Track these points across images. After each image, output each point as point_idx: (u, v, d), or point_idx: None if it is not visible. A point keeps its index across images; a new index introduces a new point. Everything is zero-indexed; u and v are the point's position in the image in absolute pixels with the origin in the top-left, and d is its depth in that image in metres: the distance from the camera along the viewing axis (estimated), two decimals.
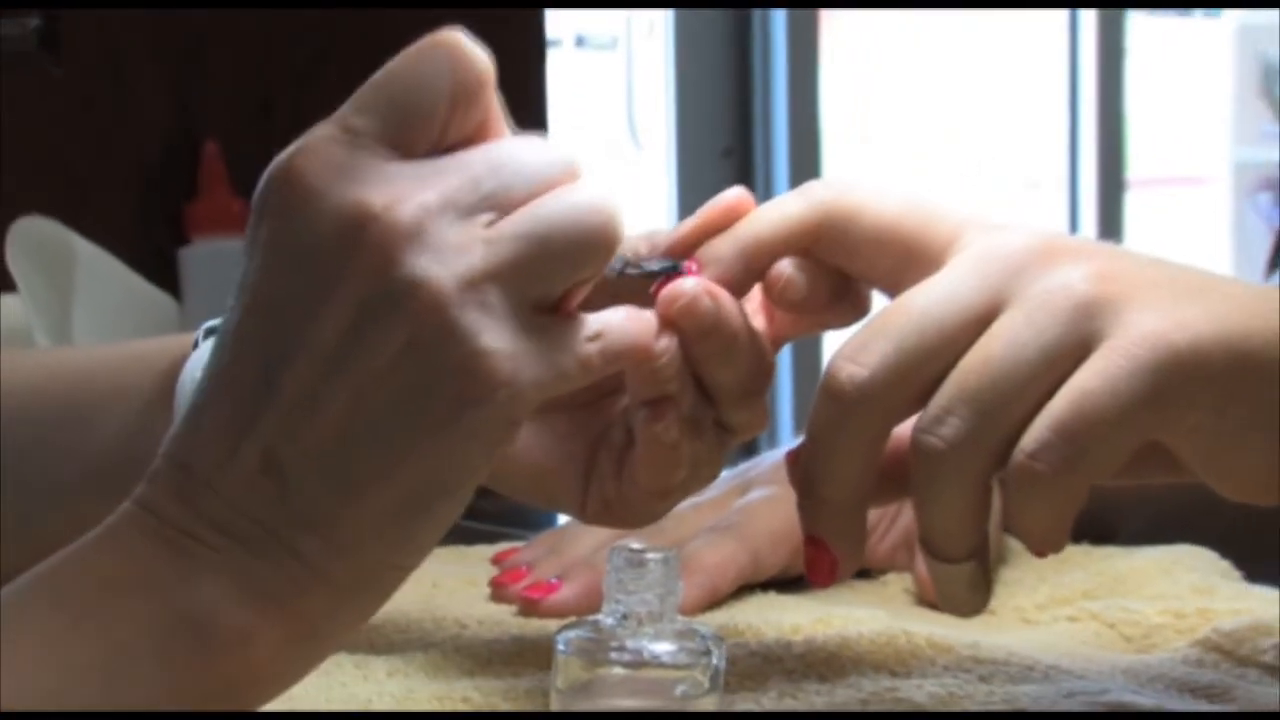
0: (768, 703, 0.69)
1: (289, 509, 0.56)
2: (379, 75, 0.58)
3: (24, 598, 0.56)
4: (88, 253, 1.74)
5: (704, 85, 3.71)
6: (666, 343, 0.63)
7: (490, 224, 0.57)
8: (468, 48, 0.59)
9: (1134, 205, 4.17)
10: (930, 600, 0.81)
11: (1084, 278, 0.62)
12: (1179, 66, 5.07)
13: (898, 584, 0.85)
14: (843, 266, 0.67)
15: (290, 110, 2.06)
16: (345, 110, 0.58)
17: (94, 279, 1.73)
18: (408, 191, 0.56)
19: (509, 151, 0.58)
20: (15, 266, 1.68)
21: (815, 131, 3.71)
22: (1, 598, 0.56)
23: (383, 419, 0.56)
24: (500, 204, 0.57)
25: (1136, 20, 4.32)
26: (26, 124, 2.03)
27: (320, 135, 0.57)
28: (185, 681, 0.56)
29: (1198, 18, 5.43)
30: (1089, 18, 4.09)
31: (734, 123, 3.71)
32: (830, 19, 3.96)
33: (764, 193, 3.71)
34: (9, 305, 1.67)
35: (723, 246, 0.67)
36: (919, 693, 0.69)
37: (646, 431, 0.65)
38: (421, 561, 0.59)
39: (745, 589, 0.83)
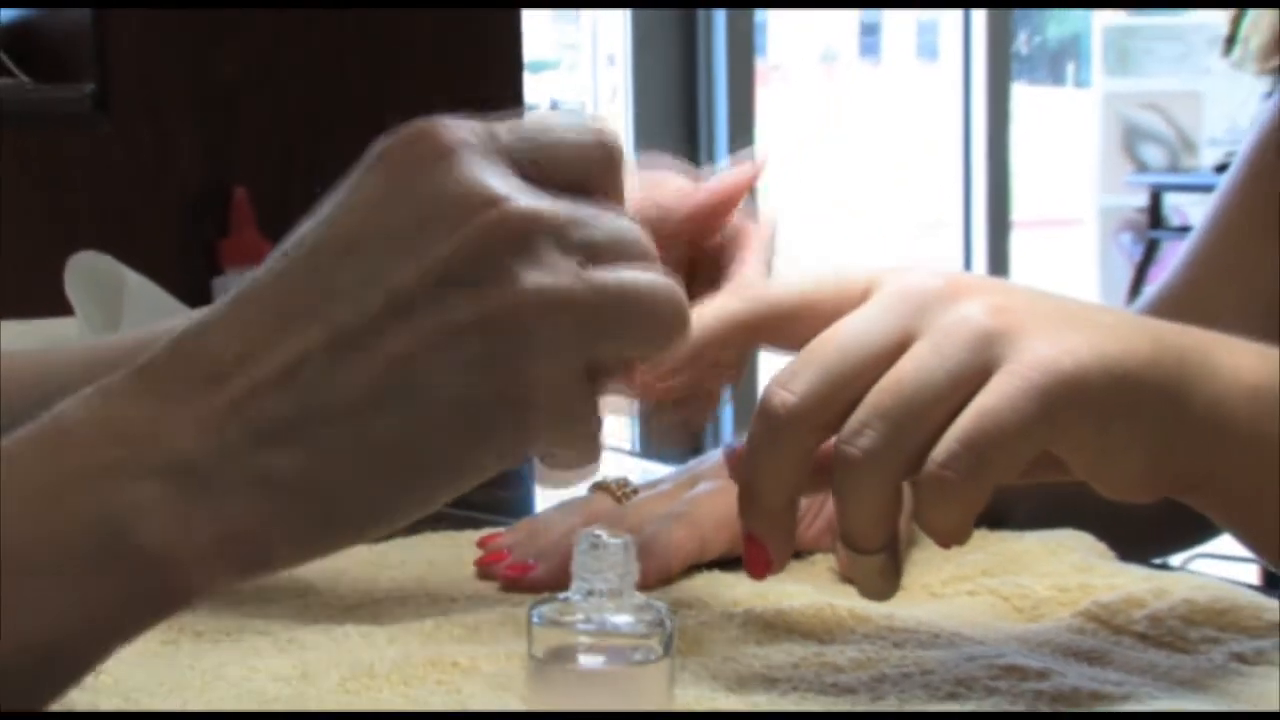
0: (713, 665, 0.68)
1: (286, 417, 0.48)
2: (537, 115, 0.54)
3: None
4: (135, 282, 1.73)
5: (659, 139, 3.72)
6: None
7: (584, 264, 0.51)
8: (616, 137, 0.55)
9: (1018, 243, 4.20)
10: (851, 578, 0.80)
11: (983, 311, 0.61)
12: (1054, 127, 5.10)
13: (823, 563, 0.84)
14: (784, 345, 0.66)
15: (308, 163, 2.06)
16: (500, 124, 0.53)
17: (140, 305, 1.72)
18: (529, 195, 0.51)
19: (616, 218, 0.54)
20: (72, 294, 1.67)
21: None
22: None
23: (428, 382, 0.49)
24: (600, 253, 0.52)
25: (1019, 89, 4.35)
26: (83, 173, 2.02)
27: (470, 123, 0.52)
28: (107, 592, 0.48)
29: (1069, 88, 5.47)
30: (979, 87, 4.12)
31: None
32: (766, 88, 3.98)
33: None
34: (67, 328, 1.66)
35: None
36: (841, 657, 0.68)
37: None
38: (374, 539, 0.52)
39: (694, 568, 0.82)
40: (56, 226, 1.91)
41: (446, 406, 0.50)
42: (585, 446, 0.54)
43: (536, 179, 0.52)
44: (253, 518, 0.49)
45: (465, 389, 0.50)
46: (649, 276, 0.53)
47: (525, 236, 0.50)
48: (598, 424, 0.54)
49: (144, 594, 0.49)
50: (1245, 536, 0.68)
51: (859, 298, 0.64)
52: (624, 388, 0.55)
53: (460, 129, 0.51)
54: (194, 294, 1.93)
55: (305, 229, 0.51)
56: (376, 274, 0.49)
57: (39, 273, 1.72)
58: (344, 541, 0.51)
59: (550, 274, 0.50)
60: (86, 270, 1.70)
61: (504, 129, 0.53)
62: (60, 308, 1.67)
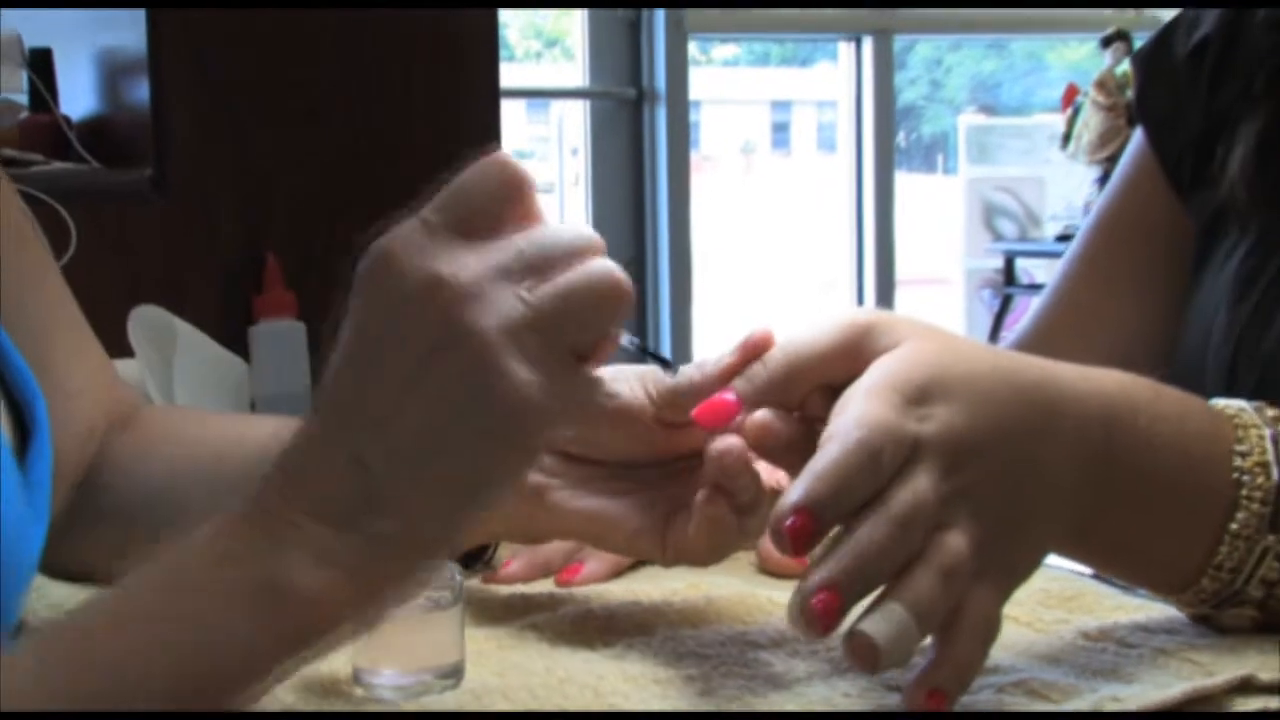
0: (655, 643, 0.66)
1: (370, 496, 0.51)
2: (451, 181, 0.54)
3: (150, 568, 0.52)
4: (184, 330, 1.72)
5: (612, 216, 3.72)
6: (727, 444, 0.60)
7: (530, 288, 0.52)
8: (513, 161, 0.54)
9: (901, 297, 4.21)
10: (768, 571, 0.79)
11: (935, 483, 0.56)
12: (928, 206, 5.13)
13: (745, 559, 0.82)
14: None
15: (326, 234, 2.05)
16: (424, 208, 0.53)
17: (189, 348, 1.71)
18: (468, 263, 0.51)
19: (546, 233, 0.53)
20: (134, 339, 1.66)
21: (687, 248, 3.73)
22: (138, 569, 0.52)
23: (444, 427, 0.51)
24: (538, 271, 0.52)
25: (900, 176, 4.37)
26: (144, 243, 2.01)
27: (404, 226, 0.53)
28: (266, 631, 0.50)
29: (940, 175, 5.50)
30: (869, 173, 4.14)
31: (633, 240, 3.72)
32: (699, 174, 3.98)
33: (653, 288, 3.72)
34: (130, 367, 1.64)
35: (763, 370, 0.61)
36: (761, 636, 0.67)
37: (702, 509, 0.63)
38: (463, 544, 0.54)
39: (639, 564, 0.80)
40: (121, 286, 1.89)
41: (473, 434, 0.51)
42: (600, 408, 0.55)
43: (470, 233, 0.53)
44: (366, 559, 0.51)
45: (479, 417, 0.51)
46: (583, 270, 0.53)
47: (476, 293, 0.51)
48: (603, 394, 0.54)
49: (300, 634, 0.51)
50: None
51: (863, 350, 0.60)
52: (605, 353, 0.55)
53: (401, 236, 0.52)
54: (233, 340, 1.92)
55: (333, 356, 0.53)
56: (385, 372, 0.51)
57: (107, 323, 1.69)
58: (431, 547, 0.53)
59: (501, 311, 0.51)
60: (146, 321, 1.69)
61: (430, 211, 0.53)
62: (124, 350, 1.65)
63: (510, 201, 0.54)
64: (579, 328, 0.53)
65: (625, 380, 0.66)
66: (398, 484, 0.51)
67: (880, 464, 0.55)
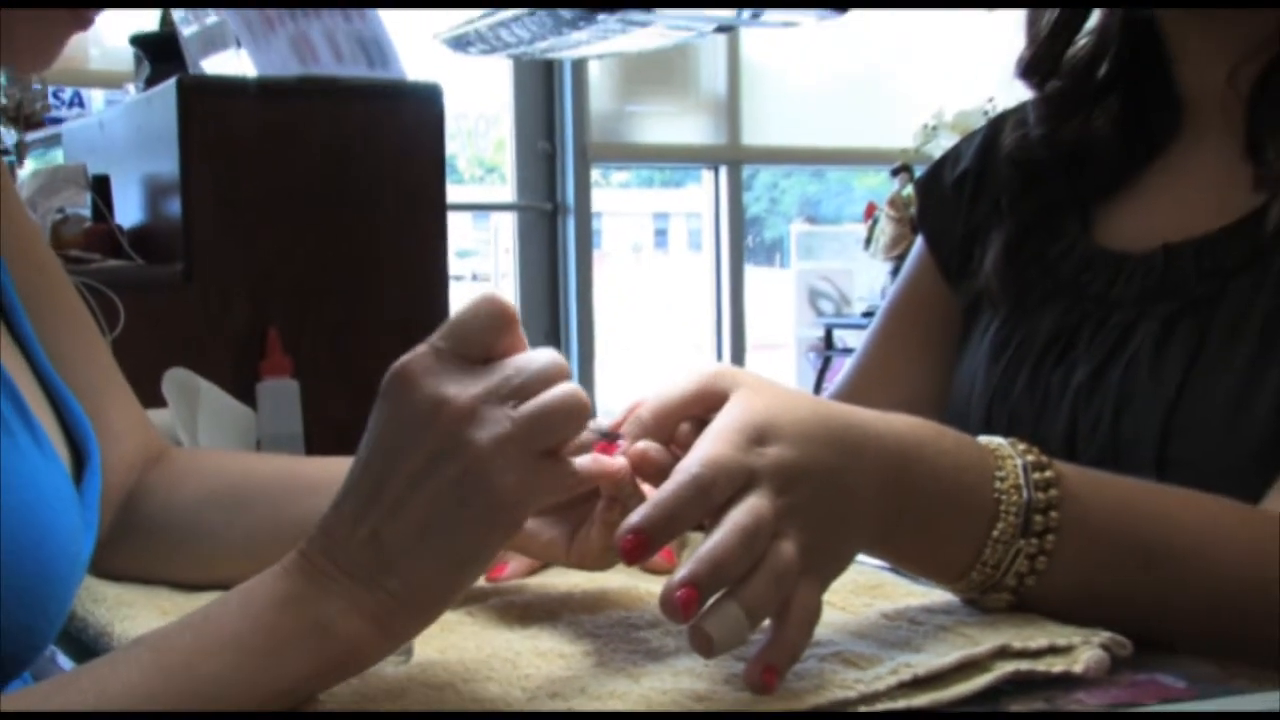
0: (561, 626, 0.64)
1: (384, 562, 0.50)
2: (455, 315, 0.53)
3: (223, 604, 0.51)
4: (205, 386, 1.68)
5: (535, 298, 3.71)
6: (621, 467, 0.58)
7: (514, 406, 0.51)
8: (504, 301, 0.53)
9: (750, 358, 4.25)
10: (648, 569, 0.77)
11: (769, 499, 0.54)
12: (769, 290, 5.18)
13: None
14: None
15: (315, 315, 2.03)
16: (434, 336, 0.52)
17: (210, 401, 1.67)
18: (467, 386, 0.51)
19: (527, 361, 0.52)
20: (167, 394, 1.62)
21: (591, 323, 3.73)
22: (213, 603, 0.51)
23: (443, 515, 0.50)
24: (521, 394, 0.51)
25: (750, 269, 4.42)
26: (175, 320, 1.98)
27: (418, 351, 0.52)
28: (312, 662, 0.50)
29: (777, 268, 5.56)
30: (725, 266, 4.18)
31: (550, 317, 3.71)
32: (600, 267, 3.99)
33: (565, 354, 3.72)
34: (163, 415, 1.60)
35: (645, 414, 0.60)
36: (642, 620, 0.65)
37: (601, 516, 0.62)
38: (459, 598, 0.53)
39: (550, 564, 0.78)
40: (158, 353, 1.86)
41: (465, 521, 0.50)
42: (568, 490, 0.54)
43: (470, 356, 0.52)
44: (388, 614, 0.51)
45: (471, 509, 0.50)
46: (554, 392, 0.52)
47: (472, 412, 0.50)
48: (570, 478, 0.54)
49: (335, 666, 0.51)
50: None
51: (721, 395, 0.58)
52: (569, 451, 0.54)
53: (416, 359, 0.51)
54: (244, 394, 1.89)
55: (360, 449, 0.52)
56: (400, 468, 0.51)
57: (147, 382, 1.64)
58: (435, 605, 0.52)
59: (492, 427, 0.50)
60: (176, 380, 1.66)
61: (438, 339, 0.53)
62: (158, 402, 1.62)
63: (501, 333, 0.53)
64: (551, 436, 0.52)
65: None
66: (405, 556, 0.50)
67: (710, 496, 0.53)
